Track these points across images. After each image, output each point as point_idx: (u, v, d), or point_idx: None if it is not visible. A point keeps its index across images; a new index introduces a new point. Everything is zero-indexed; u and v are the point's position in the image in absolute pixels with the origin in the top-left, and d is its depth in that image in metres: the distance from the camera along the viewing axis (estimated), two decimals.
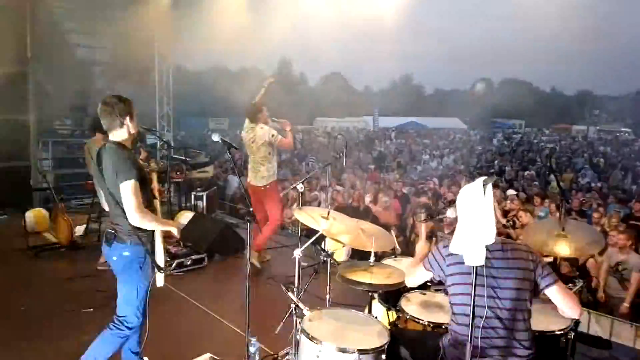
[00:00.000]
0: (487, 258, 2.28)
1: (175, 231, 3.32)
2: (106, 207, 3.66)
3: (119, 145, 3.13)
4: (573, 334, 3.10)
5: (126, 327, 3.27)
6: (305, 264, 3.94)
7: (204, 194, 8.18)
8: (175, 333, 4.36)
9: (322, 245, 4.87)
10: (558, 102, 63.37)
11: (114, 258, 3.17)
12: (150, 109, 11.46)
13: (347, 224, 3.49)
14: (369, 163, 18.44)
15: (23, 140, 8.88)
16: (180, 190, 8.64)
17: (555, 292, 2.51)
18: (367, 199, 9.86)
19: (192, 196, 8.35)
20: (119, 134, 3.14)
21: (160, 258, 3.23)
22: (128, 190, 2.97)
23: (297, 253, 3.47)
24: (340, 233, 3.35)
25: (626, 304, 5.72)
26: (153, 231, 3.21)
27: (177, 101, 11.93)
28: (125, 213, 3.01)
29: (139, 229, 3.07)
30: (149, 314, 3.44)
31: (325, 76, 62.46)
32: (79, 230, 7.12)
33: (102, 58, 11.07)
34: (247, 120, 5.85)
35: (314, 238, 3.56)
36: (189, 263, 5.97)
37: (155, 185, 3.59)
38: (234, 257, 6.51)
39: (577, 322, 3.19)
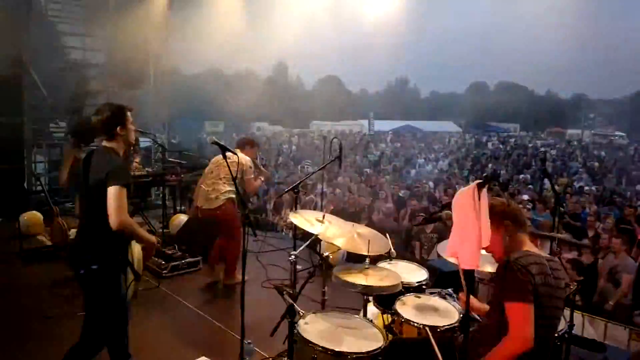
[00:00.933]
0: (553, 269, 2.42)
1: (153, 243, 3.16)
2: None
3: (112, 150, 3.06)
4: (567, 336, 3.12)
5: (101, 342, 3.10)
6: (300, 267, 3.94)
7: None
8: (170, 335, 4.35)
9: (318, 249, 4.89)
10: (553, 105, 63.58)
11: (81, 272, 3.00)
12: (145, 111, 11.44)
13: (342, 228, 3.50)
14: (365, 167, 18.49)
15: (17, 143, 8.85)
16: (176, 193, 8.61)
17: None
18: (362, 201, 9.89)
19: (188, 199, 8.32)
20: (110, 143, 3.08)
21: (137, 266, 3.09)
22: (117, 194, 2.86)
23: (293, 256, 3.48)
24: (335, 236, 3.35)
25: (611, 302, 5.82)
26: (128, 242, 3.08)
27: (172, 104, 11.93)
28: (100, 221, 2.87)
29: (112, 237, 2.90)
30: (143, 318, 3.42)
31: (321, 79, 62.57)
32: (74, 233, 7.08)
33: (97, 61, 11.04)
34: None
35: (309, 241, 3.57)
36: (184, 266, 5.96)
37: None
38: None
39: (570, 325, 3.21)
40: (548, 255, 2.53)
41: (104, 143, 3.10)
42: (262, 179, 5.58)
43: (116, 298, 3.03)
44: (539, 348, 2.36)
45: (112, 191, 2.86)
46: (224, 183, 5.36)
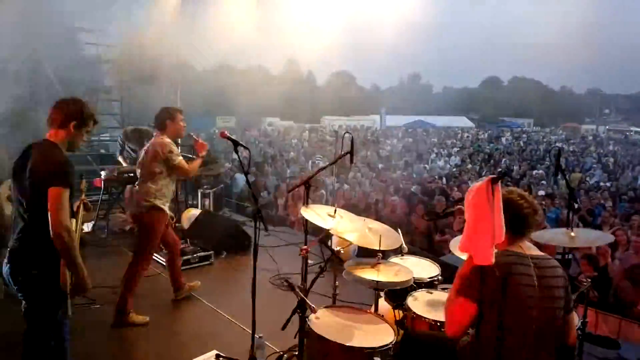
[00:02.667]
0: (539, 267, 2.31)
1: (84, 279, 2.75)
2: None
3: (56, 146, 2.80)
4: (580, 333, 3.08)
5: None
6: (311, 262, 3.94)
7: (211, 191, 8.20)
8: (181, 330, 4.38)
9: (329, 243, 4.88)
10: (567, 100, 62.92)
11: (19, 278, 2.73)
12: (157, 106, 11.48)
13: (354, 222, 3.49)
14: (376, 162, 18.43)
15: (33, 138, 8.94)
16: (187, 188, 8.66)
17: (573, 319, 2.50)
18: (373, 196, 9.86)
19: (199, 194, 8.37)
20: (56, 134, 2.82)
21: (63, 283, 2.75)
22: (59, 197, 2.61)
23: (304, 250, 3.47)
24: (347, 231, 3.34)
25: (639, 308, 5.63)
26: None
27: (184, 99, 11.95)
28: (42, 222, 2.61)
29: (51, 244, 2.63)
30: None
31: (333, 74, 62.36)
32: (87, 226, 7.18)
33: (111, 56, 11.11)
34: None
35: (321, 236, 3.57)
36: (195, 260, 6.00)
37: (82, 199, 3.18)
38: (240, 255, 6.53)
39: (584, 322, 3.18)
40: (540, 254, 2.39)
41: (50, 136, 2.82)
42: (202, 154, 4.65)
43: (56, 308, 2.78)
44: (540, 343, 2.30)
45: (53, 193, 2.61)
46: (144, 182, 4.44)
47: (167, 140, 4.43)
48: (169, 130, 4.49)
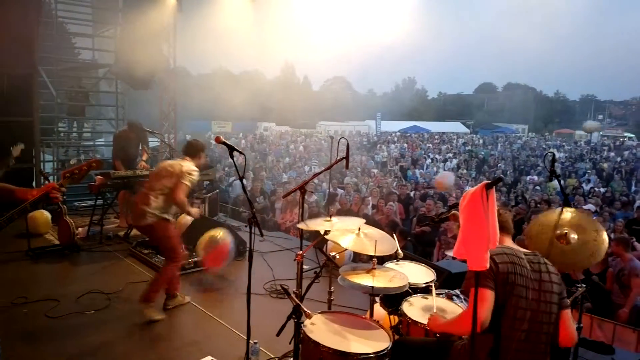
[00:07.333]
0: (533, 262, 2.39)
1: None
2: None
3: None
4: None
5: None
6: (306, 267, 3.92)
7: (206, 196, 8.17)
8: (176, 336, 4.36)
9: (324, 249, 4.87)
10: (562, 106, 63.34)
11: None
12: (153, 111, 11.48)
13: (349, 228, 3.48)
14: (372, 167, 18.44)
15: (28, 142, 8.89)
16: None
17: (567, 315, 2.51)
18: (370, 201, 9.85)
19: (194, 199, 8.33)
20: None
21: None
22: None
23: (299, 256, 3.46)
24: (342, 237, 3.33)
25: (625, 309, 5.69)
26: None
27: (179, 104, 11.94)
28: None
29: None
30: None
31: (329, 80, 62.58)
32: (82, 232, 7.14)
33: (106, 61, 11.10)
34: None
35: (315, 241, 3.56)
36: (190, 266, 5.96)
37: None
38: (235, 260, 6.50)
39: (579, 327, 3.18)
40: (530, 251, 2.50)
41: None
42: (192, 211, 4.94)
43: None
44: (530, 342, 2.32)
45: None
46: (154, 194, 4.55)
47: (194, 169, 4.66)
48: (197, 159, 4.78)
